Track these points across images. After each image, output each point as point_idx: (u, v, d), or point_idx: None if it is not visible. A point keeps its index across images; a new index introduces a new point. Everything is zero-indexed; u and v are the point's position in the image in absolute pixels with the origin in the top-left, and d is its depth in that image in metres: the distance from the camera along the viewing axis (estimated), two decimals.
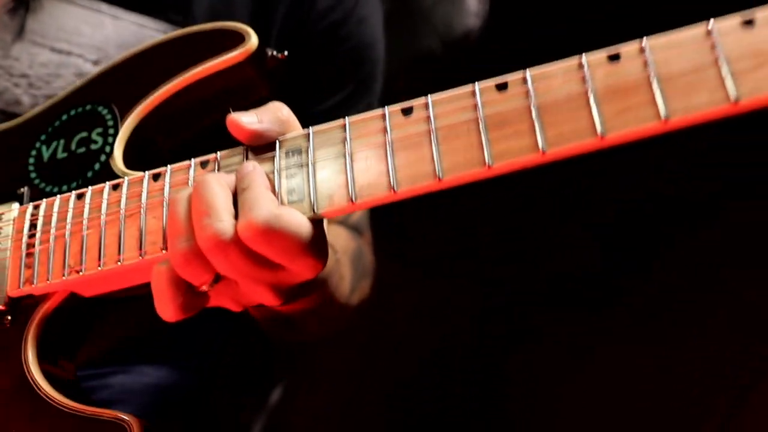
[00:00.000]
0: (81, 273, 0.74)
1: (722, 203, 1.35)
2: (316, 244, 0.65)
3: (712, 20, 0.59)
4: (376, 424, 1.42)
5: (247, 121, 0.70)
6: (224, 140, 0.74)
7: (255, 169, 0.68)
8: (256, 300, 0.68)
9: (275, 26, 1.05)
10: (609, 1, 1.42)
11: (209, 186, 0.66)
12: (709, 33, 0.58)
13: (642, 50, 0.60)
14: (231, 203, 0.66)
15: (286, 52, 0.86)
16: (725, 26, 0.58)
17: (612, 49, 0.61)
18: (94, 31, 1.00)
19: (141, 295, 0.76)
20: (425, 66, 1.14)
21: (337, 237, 0.99)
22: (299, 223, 0.64)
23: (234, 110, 0.73)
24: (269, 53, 0.85)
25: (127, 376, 0.99)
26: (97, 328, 0.87)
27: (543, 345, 1.43)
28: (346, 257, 0.97)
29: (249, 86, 0.86)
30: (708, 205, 1.36)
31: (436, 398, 1.44)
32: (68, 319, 0.79)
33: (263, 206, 0.64)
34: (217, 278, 0.67)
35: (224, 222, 0.64)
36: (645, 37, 0.60)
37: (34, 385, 0.73)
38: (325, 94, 1.08)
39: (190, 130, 0.90)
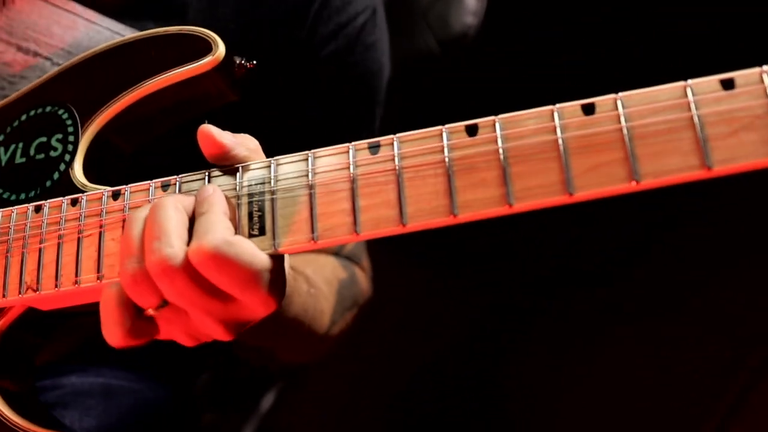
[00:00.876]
0: (37, 292, 0.72)
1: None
2: (271, 280, 0.64)
3: (690, 80, 0.57)
4: (373, 427, 1.43)
5: (218, 133, 0.70)
6: (188, 142, 0.72)
7: (215, 192, 0.67)
8: (207, 333, 0.68)
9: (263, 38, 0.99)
10: (606, 2, 1.38)
11: (164, 209, 0.65)
12: (685, 91, 0.56)
13: (617, 104, 0.58)
14: (185, 229, 0.65)
15: (254, 61, 0.82)
16: (703, 86, 0.56)
17: (587, 100, 0.59)
18: (65, 33, 0.94)
19: None
20: (422, 65, 1.09)
21: (323, 267, 0.97)
22: (253, 254, 0.63)
23: (202, 119, 0.72)
24: (237, 61, 0.81)
25: (83, 375, 0.97)
26: (60, 328, 0.86)
27: (543, 346, 1.43)
28: (331, 289, 0.96)
29: (216, 94, 0.82)
30: (709, 200, 1.35)
31: (433, 400, 1.45)
32: (26, 332, 0.77)
33: (217, 231, 0.63)
34: (165, 303, 0.66)
35: (174, 248, 0.63)
36: (621, 93, 0.58)
37: None
38: (328, 121, 1.03)
39: (153, 136, 0.87)
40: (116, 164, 0.83)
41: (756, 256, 1.26)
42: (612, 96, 0.58)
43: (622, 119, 0.57)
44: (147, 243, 0.64)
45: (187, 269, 0.63)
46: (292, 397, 1.23)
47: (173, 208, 0.65)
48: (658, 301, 1.36)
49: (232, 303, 0.64)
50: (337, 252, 1.03)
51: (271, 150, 0.73)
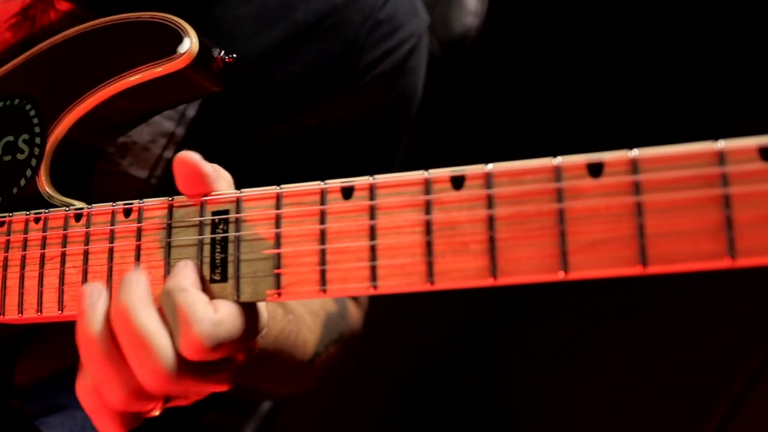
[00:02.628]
0: (2, 316, 0.70)
1: None
2: (251, 328, 0.60)
3: (722, 142, 0.47)
4: (373, 426, 1.44)
5: (200, 162, 0.62)
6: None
7: (186, 266, 0.60)
8: (207, 393, 0.64)
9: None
10: (606, 2, 1.29)
11: (136, 314, 0.57)
12: (715, 158, 0.47)
13: (631, 165, 0.49)
14: (162, 323, 0.58)
15: (234, 55, 0.74)
16: (738, 151, 0.46)
17: (594, 157, 0.50)
18: None
19: None
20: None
21: (310, 300, 0.93)
22: (238, 323, 0.58)
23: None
24: (215, 55, 0.73)
25: None
26: (38, 346, 0.85)
27: (542, 346, 1.41)
28: (316, 320, 0.92)
29: (194, 89, 0.75)
30: None
31: (432, 400, 1.45)
32: (2, 346, 0.76)
33: (200, 316, 0.56)
34: (167, 400, 0.61)
35: (168, 354, 0.56)
36: (637, 149, 0.49)
37: None
38: (360, 140, 1.00)
39: (124, 132, 0.81)
40: (85, 166, 0.78)
41: None
42: (624, 153, 0.49)
43: (636, 184, 0.48)
44: (133, 360, 0.57)
45: (186, 365, 0.57)
46: (292, 397, 1.22)
47: (143, 307, 0.57)
48: (658, 301, 1.31)
49: (227, 363, 0.60)
50: None
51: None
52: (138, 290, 0.58)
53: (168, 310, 0.57)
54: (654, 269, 0.48)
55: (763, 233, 0.45)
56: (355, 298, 1.03)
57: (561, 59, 1.39)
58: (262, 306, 0.63)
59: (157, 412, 0.61)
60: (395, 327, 1.06)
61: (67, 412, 0.93)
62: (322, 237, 0.57)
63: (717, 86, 1.50)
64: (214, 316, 0.56)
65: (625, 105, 1.50)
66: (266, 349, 0.76)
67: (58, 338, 0.93)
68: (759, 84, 1.44)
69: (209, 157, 0.65)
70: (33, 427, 0.78)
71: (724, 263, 0.46)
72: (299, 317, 0.87)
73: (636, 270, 0.48)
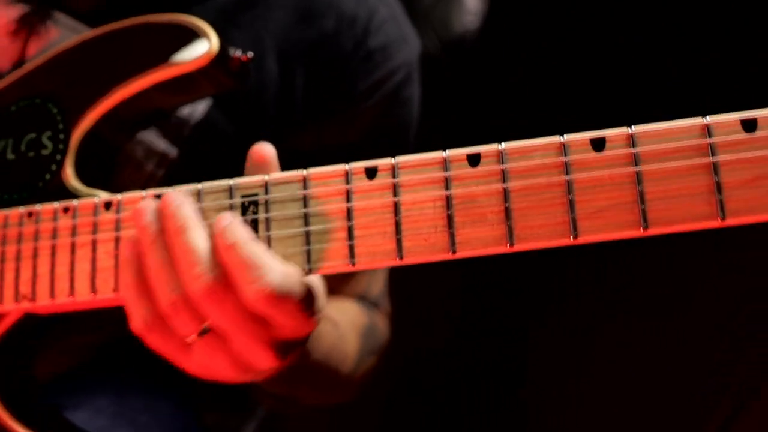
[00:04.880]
0: (33, 302, 0.78)
1: None
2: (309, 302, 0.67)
3: (708, 117, 0.57)
4: (374, 426, 1.50)
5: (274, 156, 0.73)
6: None
7: (236, 219, 0.67)
8: (252, 361, 0.68)
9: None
10: (607, 2, 1.38)
11: (191, 231, 0.66)
12: (704, 131, 0.57)
13: (630, 139, 0.59)
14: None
15: (250, 54, 0.83)
16: (723, 124, 0.57)
17: (597, 134, 0.60)
18: None
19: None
20: (423, 66, 1.12)
21: (346, 311, 1.00)
22: (301, 281, 0.65)
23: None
24: (232, 54, 0.83)
25: (94, 376, 1.04)
26: (61, 336, 0.93)
27: (542, 346, 1.47)
28: (354, 333, 0.99)
29: (211, 87, 0.85)
30: None
31: (434, 398, 1.51)
32: (25, 335, 0.84)
33: (272, 266, 0.64)
34: (205, 330, 0.68)
35: (215, 272, 0.64)
36: (634, 126, 0.59)
37: None
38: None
39: (145, 128, 0.90)
40: (108, 160, 0.87)
41: (756, 253, 1.26)
42: (624, 131, 0.59)
43: (635, 156, 0.58)
44: (185, 270, 0.64)
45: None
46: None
47: (198, 227, 0.66)
48: (661, 300, 1.39)
49: (279, 326, 0.66)
50: (362, 296, 1.07)
51: None
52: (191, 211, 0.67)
53: (233, 260, 0.64)
54: (654, 231, 0.58)
55: (748, 195, 0.55)
56: (380, 309, 1.10)
57: (561, 59, 1.48)
58: (317, 288, 0.69)
59: (193, 337, 0.67)
60: (399, 321, 1.13)
61: (67, 412, 0.99)
62: (349, 214, 0.66)
63: (717, 86, 1.61)
64: (284, 268, 0.64)
65: (625, 105, 1.60)
66: (316, 358, 0.83)
67: (71, 336, 1.01)
68: (759, 84, 1.55)
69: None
70: (60, 417, 0.86)
71: (716, 223, 0.56)
72: (342, 329, 0.94)
73: (638, 232, 0.58)
